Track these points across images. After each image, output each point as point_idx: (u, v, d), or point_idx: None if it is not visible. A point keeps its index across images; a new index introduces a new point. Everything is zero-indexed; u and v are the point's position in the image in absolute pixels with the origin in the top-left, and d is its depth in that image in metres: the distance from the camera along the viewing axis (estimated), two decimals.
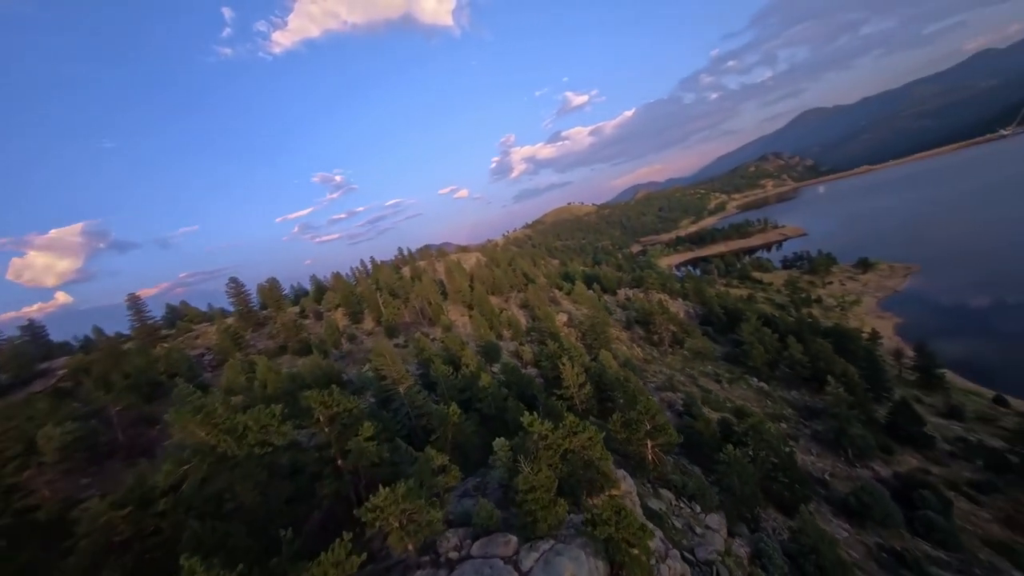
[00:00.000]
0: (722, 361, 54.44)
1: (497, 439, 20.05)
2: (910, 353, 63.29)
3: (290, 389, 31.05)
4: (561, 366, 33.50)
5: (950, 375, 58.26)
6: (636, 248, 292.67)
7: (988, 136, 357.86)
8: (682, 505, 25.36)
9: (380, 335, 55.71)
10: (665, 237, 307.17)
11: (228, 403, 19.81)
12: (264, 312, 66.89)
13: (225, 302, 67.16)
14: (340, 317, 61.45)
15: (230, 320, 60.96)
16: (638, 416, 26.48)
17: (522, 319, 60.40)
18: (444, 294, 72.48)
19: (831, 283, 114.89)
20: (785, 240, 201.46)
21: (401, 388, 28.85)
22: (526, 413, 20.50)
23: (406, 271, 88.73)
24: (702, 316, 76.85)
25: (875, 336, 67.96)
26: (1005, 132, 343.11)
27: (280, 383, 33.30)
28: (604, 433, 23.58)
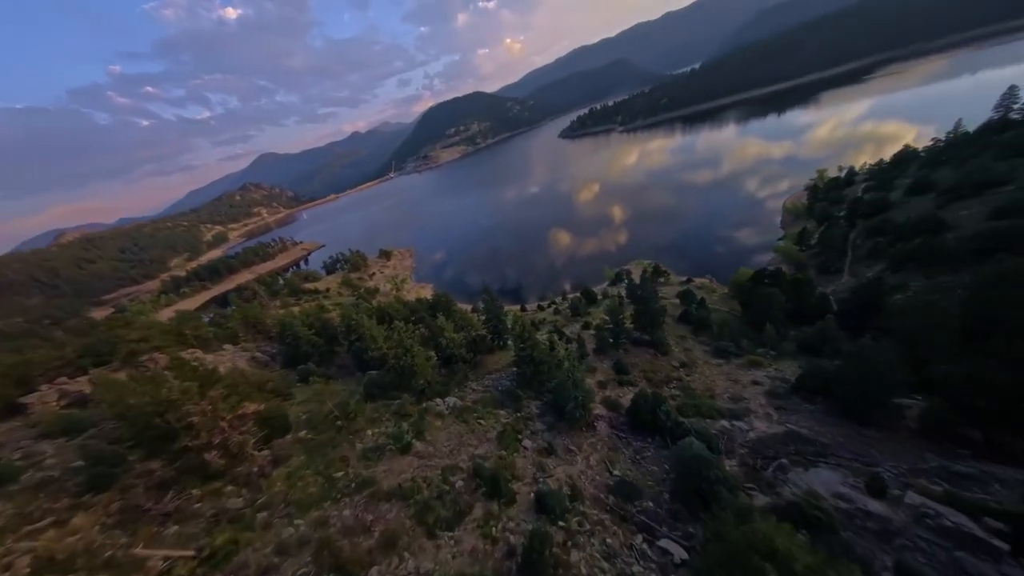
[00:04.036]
0: (379, 401, 28.63)
1: None
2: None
3: None
4: None
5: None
6: (101, 311, 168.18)
7: (384, 177, 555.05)
8: None
9: None
10: (152, 284, 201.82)
11: None
12: None
13: None
14: None
15: None
16: None
17: None
18: None
19: (374, 274, 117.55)
20: (310, 253, 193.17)
21: None
22: None
23: None
24: (285, 355, 44.03)
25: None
26: (392, 175, 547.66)
27: None
28: None
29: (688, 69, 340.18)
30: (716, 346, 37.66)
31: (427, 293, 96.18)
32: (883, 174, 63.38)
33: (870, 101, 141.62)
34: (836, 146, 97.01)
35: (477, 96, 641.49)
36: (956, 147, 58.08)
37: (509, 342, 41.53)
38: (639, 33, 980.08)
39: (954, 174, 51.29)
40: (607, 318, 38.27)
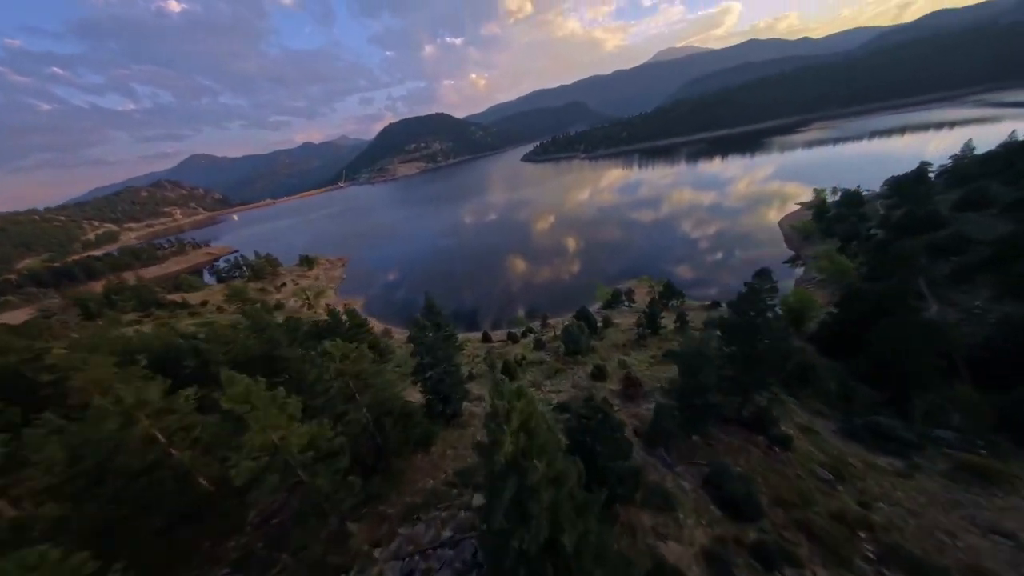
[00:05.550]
0: None
1: None
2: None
3: None
4: None
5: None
6: None
7: (333, 186, 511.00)
8: None
9: None
10: None
11: None
12: None
13: None
14: None
15: None
16: None
17: None
18: None
19: (284, 285, 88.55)
20: (217, 259, 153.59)
21: None
22: None
23: None
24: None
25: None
26: (343, 184, 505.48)
27: None
28: None
29: (638, 114, 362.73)
30: (860, 424, 19.87)
31: (356, 307, 70.71)
32: (905, 190, 55.79)
33: (785, 156, 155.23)
34: (751, 199, 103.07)
35: (441, 116, 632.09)
36: (991, 162, 52.08)
37: (465, 405, 20.23)
38: (593, 83, 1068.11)
39: (1011, 188, 42.87)
40: (667, 370, 18.78)
